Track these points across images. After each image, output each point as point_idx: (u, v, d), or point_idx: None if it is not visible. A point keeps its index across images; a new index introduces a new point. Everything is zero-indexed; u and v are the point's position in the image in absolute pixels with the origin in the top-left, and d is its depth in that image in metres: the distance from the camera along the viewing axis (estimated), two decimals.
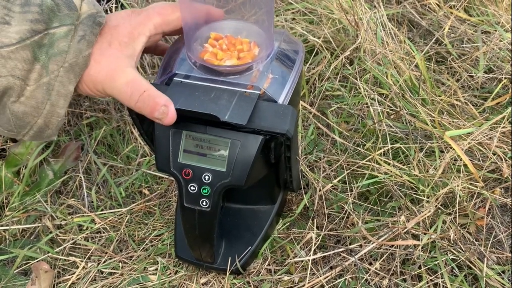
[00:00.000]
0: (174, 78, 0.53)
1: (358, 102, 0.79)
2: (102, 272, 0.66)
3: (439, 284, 0.59)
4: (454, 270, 0.61)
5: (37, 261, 0.66)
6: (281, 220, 0.68)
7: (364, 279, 0.60)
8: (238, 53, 0.53)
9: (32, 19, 0.45)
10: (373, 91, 0.77)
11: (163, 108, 0.47)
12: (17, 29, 0.45)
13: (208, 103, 0.50)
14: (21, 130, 0.48)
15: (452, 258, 0.61)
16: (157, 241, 0.69)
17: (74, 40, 0.46)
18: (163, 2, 0.52)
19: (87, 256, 0.68)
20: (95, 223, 0.71)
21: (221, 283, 0.62)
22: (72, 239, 0.69)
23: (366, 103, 0.76)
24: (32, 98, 0.46)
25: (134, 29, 0.49)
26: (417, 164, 0.68)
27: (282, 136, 0.50)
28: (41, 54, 0.45)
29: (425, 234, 0.62)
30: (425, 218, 0.63)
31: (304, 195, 0.67)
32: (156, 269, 0.65)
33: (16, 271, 0.66)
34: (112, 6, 0.89)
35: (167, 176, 0.76)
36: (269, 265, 0.64)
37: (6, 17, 0.44)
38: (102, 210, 0.73)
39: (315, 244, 0.62)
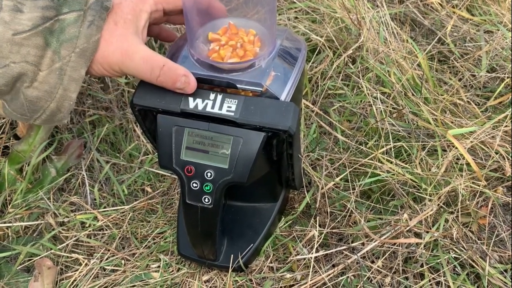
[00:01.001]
0: None
1: (361, 100, 0.79)
2: (104, 269, 0.66)
3: (441, 282, 0.59)
4: (456, 269, 0.61)
5: (40, 258, 0.66)
6: (283, 218, 0.68)
7: (366, 277, 0.60)
8: (241, 44, 0.53)
9: (43, 6, 0.46)
10: (376, 90, 0.77)
11: (184, 78, 0.50)
12: (29, 16, 0.46)
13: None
14: (33, 114, 0.50)
15: (454, 257, 0.61)
16: (159, 238, 0.69)
17: (84, 26, 0.47)
18: None
19: (89, 253, 0.68)
20: (98, 221, 0.71)
21: (223, 280, 0.62)
22: (75, 236, 0.69)
23: (369, 102, 0.76)
24: (45, 83, 0.47)
25: (136, 6, 0.51)
26: (419, 163, 0.68)
27: (284, 133, 0.50)
28: (53, 40, 0.47)
29: (427, 232, 0.62)
30: (427, 216, 0.63)
31: (306, 193, 0.67)
32: (159, 267, 0.65)
33: (19, 267, 0.66)
34: None
35: (169, 174, 0.77)
36: (271, 262, 0.64)
37: (18, 5, 0.46)
38: (104, 207, 0.73)
39: (317, 242, 0.62)
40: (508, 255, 0.62)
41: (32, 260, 0.67)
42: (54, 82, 0.47)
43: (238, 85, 0.51)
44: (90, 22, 0.48)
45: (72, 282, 0.64)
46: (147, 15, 0.52)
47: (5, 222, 0.71)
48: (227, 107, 0.51)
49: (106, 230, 0.70)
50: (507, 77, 0.82)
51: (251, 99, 0.51)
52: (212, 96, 0.51)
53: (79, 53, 0.48)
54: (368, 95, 0.76)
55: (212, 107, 0.51)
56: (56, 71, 0.47)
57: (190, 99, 0.52)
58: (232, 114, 0.51)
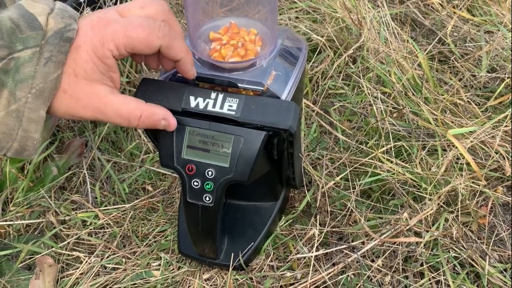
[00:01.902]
0: (178, 75, 0.53)
1: (361, 100, 0.79)
2: (105, 267, 0.66)
3: (441, 281, 0.60)
4: (456, 268, 0.61)
5: (41, 256, 0.66)
6: (283, 217, 0.68)
7: (366, 275, 0.60)
8: (242, 43, 0.53)
9: None
10: (376, 90, 0.78)
11: (163, 122, 0.50)
12: None
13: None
14: None
15: (454, 256, 0.61)
16: (160, 237, 0.69)
17: (40, 64, 0.44)
18: (140, 21, 0.46)
19: (90, 251, 0.68)
20: (99, 219, 0.71)
21: (223, 278, 0.63)
22: (76, 234, 0.69)
23: (369, 102, 0.77)
24: (2, 124, 0.45)
25: (96, 50, 0.45)
26: (419, 162, 0.68)
27: (285, 132, 0.51)
28: (8, 80, 0.43)
29: (427, 231, 0.62)
30: (427, 215, 0.63)
31: (306, 192, 0.67)
32: (159, 265, 0.65)
33: (20, 265, 0.66)
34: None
35: (170, 173, 0.77)
36: (271, 261, 0.64)
37: None
38: (105, 206, 0.73)
39: (317, 240, 0.62)
40: (508, 255, 0.63)
41: (33, 258, 0.67)
42: (12, 124, 0.45)
43: (239, 84, 0.52)
44: (46, 59, 0.44)
45: (73, 280, 0.65)
46: (111, 60, 0.46)
47: (6, 220, 0.71)
48: (228, 106, 0.51)
49: (107, 228, 0.70)
50: (507, 77, 0.83)
51: (252, 98, 0.51)
52: (213, 95, 0.52)
53: (36, 94, 0.44)
54: (369, 94, 0.76)
55: (213, 106, 0.51)
56: (13, 113, 0.44)
57: (192, 98, 0.52)
58: (233, 113, 0.51)
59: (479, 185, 0.66)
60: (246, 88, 0.52)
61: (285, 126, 0.50)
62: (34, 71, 0.43)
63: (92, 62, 0.46)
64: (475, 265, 0.61)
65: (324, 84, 0.82)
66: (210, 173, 0.53)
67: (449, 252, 0.62)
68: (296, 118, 0.51)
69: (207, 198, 0.54)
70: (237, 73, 0.52)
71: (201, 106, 0.52)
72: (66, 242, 0.68)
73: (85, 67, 0.45)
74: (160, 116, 0.49)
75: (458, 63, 0.86)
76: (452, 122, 0.74)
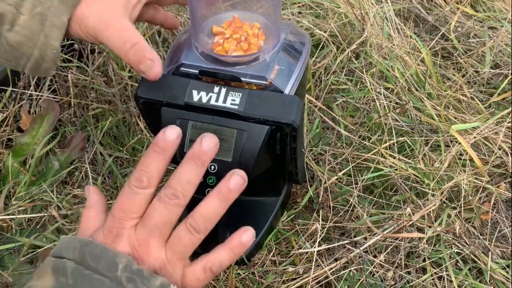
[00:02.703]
0: (181, 68, 0.53)
1: (364, 96, 0.79)
2: None
3: (444, 277, 0.60)
4: (458, 264, 0.61)
5: (44, 250, 0.66)
6: (286, 212, 0.68)
7: (369, 271, 0.60)
8: (245, 37, 0.53)
9: None
10: (379, 85, 0.77)
11: (149, 62, 0.48)
12: None
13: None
14: (18, 61, 0.48)
15: (456, 252, 0.61)
16: None
17: None
18: None
19: None
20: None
21: (226, 273, 0.63)
22: (78, 229, 0.69)
23: (372, 97, 0.76)
24: (26, 28, 0.46)
25: None
26: (422, 158, 0.68)
27: (288, 126, 0.51)
28: None
29: (430, 227, 0.62)
30: (430, 211, 0.63)
31: (309, 188, 0.67)
32: None
33: (22, 259, 0.66)
34: None
35: (172, 167, 0.77)
36: (273, 256, 0.64)
37: None
38: (108, 200, 0.73)
39: (320, 236, 0.62)
40: (510, 251, 0.62)
41: (36, 252, 0.67)
42: (35, 27, 0.46)
43: (242, 78, 0.51)
44: None
45: None
46: None
47: (8, 214, 0.71)
48: (231, 100, 0.51)
49: None
50: (511, 73, 0.82)
51: (255, 92, 0.51)
52: (216, 89, 0.52)
53: None
54: (372, 90, 0.76)
55: (216, 100, 0.51)
56: (37, 16, 0.46)
57: (194, 92, 0.52)
58: (236, 107, 0.51)
59: (482, 181, 0.66)
60: (249, 82, 0.52)
61: (288, 121, 0.50)
62: None
63: None
64: (477, 261, 0.61)
65: (327, 80, 0.82)
66: (212, 167, 0.53)
67: (452, 248, 0.62)
68: (299, 112, 0.50)
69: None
70: (240, 67, 0.52)
71: (204, 100, 0.51)
72: None
73: None
74: (150, 55, 0.48)
75: (461, 59, 0.86)
76: (455, 118, 0.74)
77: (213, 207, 0.46)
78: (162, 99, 0.52)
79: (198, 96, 0.52)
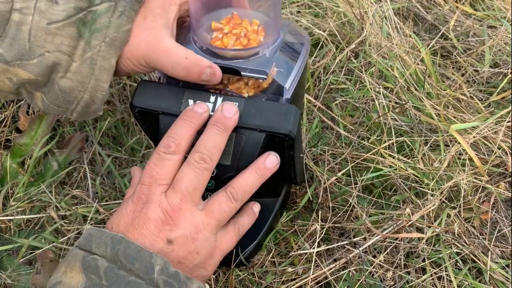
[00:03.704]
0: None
1: (363, 95, 0.79)
2: None
3: (443, 277, 0.60)
4: (458, 264, 0.61)
5: (42, 251, 0.66)
6: (285, 213, 0.68)
7: (368, 271, 0.60)
8: (244, 33, 0.53)
9: None
10: (378, 85, 0.77)
11: (209, 70, 0.49)
12: (63, 7, 0.47)
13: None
14: (69, 106, 0.50)
15: (456, 252, 0.61)
16: None
17: (114, 16, 0.48)
18: None
19: None
20: (100, 214, 0.71)
21: (225, 274, 0.63)
22: (77, 229, 0.69)
23: (371, 97, 0.76)
24: (77, 73, 0.48)
25: (165, 1, 0.51)
26: (422, 158, 0.68)
27: (285, 137, 0.50)
28: (85, 31, 0.47)
29: (429, 227, 0.62)
30: (429, 211, 0.63)
31: (308, 188, 0.67)
32: None
33: (21, 260, 0.66)
34: None
35: None
36: (273, 257, 0.64)
37: None
38: (106, 201, 0.73)
39: (319, 236, 0.62)
40: (510, 250, 0.62)
41: (34, 253, 0.67)
42: (86, 72, 0.48)
43: (242, 73, 0.51)
44: (120, 13, 0.48)
45: None
46: (177, 7, 0.51)
47: (7, 215, 0.71)
48: None
49: None
50: (510, 72, 0.82)
51: (251, 101, 0.51)
52: (212, 98, 0.51)
53: (109, 42, 0.48)
54: (371, 89, 0.76)
55: (213, 110, 0.51)
56: (87, 61, 0.48)
57: (190, 101, 0.52)
58: None
59: (481, 181, 0.66)
60: (249, 76, 0.51)
61: (285, 131, 0.50)
62: (109, 22, 0.48)
63: (160, 8, 0.50)
64: (477, 260, 0.61)
65: (326, 79, 0.82)
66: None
67: (451, 248, 0.61)
68: (296, 122, 0.50)
69: (208, 196, 0.54)
70: (239, 61, 0.52)
71: None
72: (67, 237, 0.68)
73: (154, 12, 0.50)
74: (206, 63, 0.49)
75: (460, 58, 0.86)
76: (455, 117, 0.73)
77: (251, 180, 0.50)
78: (158, 108, 0.52)
79: None
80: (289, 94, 0.53)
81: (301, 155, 0.59)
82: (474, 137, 0.69)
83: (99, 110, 0.52)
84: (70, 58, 0.48)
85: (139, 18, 0.50)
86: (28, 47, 0.46)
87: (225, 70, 0.51)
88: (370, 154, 0.68)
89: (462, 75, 0.84)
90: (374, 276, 0.60)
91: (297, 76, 0.54)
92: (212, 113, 0.51)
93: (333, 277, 0.60)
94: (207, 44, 0.52)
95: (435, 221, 0.63)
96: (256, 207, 0.57)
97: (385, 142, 0.69)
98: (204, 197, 0.54)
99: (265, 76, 0.51)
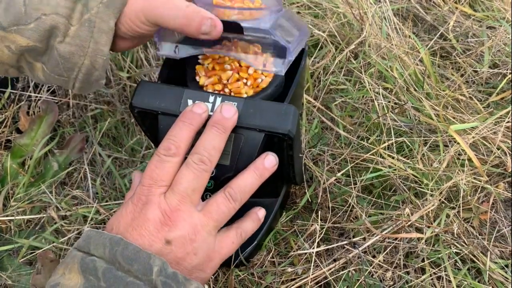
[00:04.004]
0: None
1: (363, 96, 0.79)
2: None
3: (443, 277, 0.60)
4: (457, 264, 0.61)
5: (43, 251, 0.66)
6: (284, 213, 0.68)
7: (368, 271, 0.60)
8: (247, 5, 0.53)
9: None
10: (378, 85, 0.77)
11: (210, 21, 0.47)
12: None
13: None
14: (70, 73, 0.49)
15: (455, 252, 0.61)
16: None
17: None
18: None
19: None
20: (100, 214, 0.71)
21: (225, 274, 0.63)
22: (77, 230, 0.69)
23: (371, 97, 0.76)
24: (76, 37, 0.47)
25: None
26: (421, 158, 0.68)
27: (284, 136, 0.50)
28: None
29: (428, 227, 0.62)
30: (429, 211, 0.63)
31: (307, 189, 0.67)
32: None
33: (21, 260, 0.66)
34: None
35: None
36: (272, 257, 0.64)
37: None
38: (106, 201, 0.73)
39: (318, 236, 0.62)
40: (509, 251, 0.63)
41: (35, 253, 0.67)
42: (84, 35, 0.47)
43: (246, 33, 0.51)
44: None
45: None
46: None
47: (7, 216, 0.71)
48: None
49: None
50: (509, 73, 0.82)
51: (250, 101, 0.51)
52: (211, 98, 0.51)
53: (106, 3, 0.47)
54: (370, 90, 0.76)
55: (212, 110, 0.51)
56: (85, 23, 0.47)
57: (190, 101, 0.52)
58: None
59: (480, 181, 0.66)
60: (252, 36, 0.51)
61: (284, 131, 0.50)
62: None
63: None
64: (476, 261, 0.61)
65: (326, 80, 0.82)
66: None
67: (451, 248, 0.62)
68: (295, 122, 0.50)
69: (208, 196, 0.54)
70: (242, 20, 0.51)
71: None
72: (67, 238, 0.68)
73: None
74: (208, 14, 0.47)
75: (460, 58, 0.86)
76: (454, 117, 0.74)
77: (250, 180, 0.50)
78: (157, 108, 0.52)
79: None
80: (292, 55, 0.52)
81: (300, 155, 0.60)
82: (473, 137, 0.69)
83: (101, 78, 0.51)
84: (67, 21, 0.46)
85: None
86: (24, 10, 0.45)
87: (227, 26, 0.50)
88: (370, 155, 0.68)
89: (461, 75, 0.84)
90: (374, 276, 0.60)
91: (299, 45, 0.53)
92: (211, 113, 0.51)
93: (332, 277, 0.60)
94: (209, 3, 0.51)
95: (434, 221, 0.63)
96: (261, 213, 0.56)
97: (384, 142, 0.69)
98: (204, 197, 0.54)
99: (268, 36, 0.50)
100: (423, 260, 0.61)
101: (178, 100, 0.52)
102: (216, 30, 0.48)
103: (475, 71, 0.84)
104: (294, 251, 0.63)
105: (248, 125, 0.50)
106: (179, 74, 0.58)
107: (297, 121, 0.51)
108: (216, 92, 0.53)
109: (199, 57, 0.57)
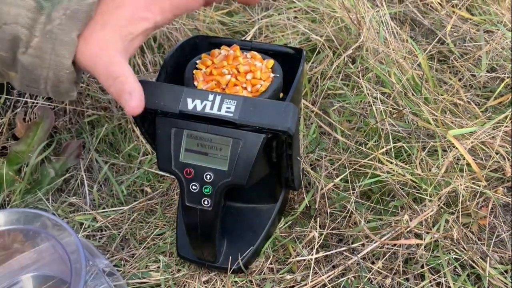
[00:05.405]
0: None
1: (361, 101, 0.79)
2: (104, 271, 0.65)
3: (442, 283, 0.59)
4: (457, 269, 0.61)
5: None
6: (283, 219, 0.68)
7: (367, 278, 0.60)
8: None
9: None
10: (376, 90, 0.77)
11: (126, 96, 0.47)
12: None
13: None
14: (38, 85, 0.48)
15: (455, 258, 0.61)
16: (159, 239, 0.68)
17: None
18: None
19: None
20: (97, 221, 0.71)
21: (223, 281, 0.62)
22: None
23: (369, 102, 0.76)
24: (38, 48, 0.46)
25: (136, 13, 0.47)
26: (419, 163, 0.68)
27: (284, 134, 0.50)
28: (47, 3, 0.46)
29: (427, 233, 0.62)
30: (427, 217, 0.63)
31: (305, 194, 0.67)
32: (158, 267, 0.64)
33: None
34: None
35: (169, 175, 0.76)
36: (271, 264, 0.64)
37: None
38: (103, 208, 0.73)
39: (317, 243, 0.62)
40: (509, 256, 0.62)
41: None
42: (45, 47, 0.46)
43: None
44: None
45: None
46: (149, 25, 0.48)
47: None
48: (226, 108, 0.51)
49: (105, 231, 0.70)
50: (507, 77, 0.82)
51: (250, 99, 0.51)
52: (211, 97, 0.51)
53: (70, 15, 0.46)
54: (368, 95, 0.76)
55: (211, 108, 0.51)
56: (46, 35, 0.46)
57: (189, 100, 0.51)
58: (231, 115, 0.50)
59: (479, 186, 0.66)
60: None
61: (283, 128, 0.50)
62: None
63: (127, 21, 0.47)
64: (475, 266, 0.61)
65: (323, 85, 0.82)
66: (208, 176, 0.53)
67: (450, 254, 0.61)
68: (295, 119, 0.50)
69: (206, 202, 0.54)
70: None
71: (199, 108, 0.51)
72: None
73: (116, 23, 0.47)
74: (128, 89, 0.46)
75: (457, 62, 0.86)
76: (452, 122, 0.73)
77: None
78: (156, 107, 0.52)
79: (193, 104, 0.51)
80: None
81: (299, 158, 0.59)
82: (471, 142, 0.69)
83: (72, 91, 0.49)
84: (30, 32, 0.45)
85: (97, 24, 0.47)
86: None
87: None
88: (368, 160, 0.67)
89: (459, 80, 0.84)
90: (373, 283, 0.60)
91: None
92: (211, 111, 0.50)
93: (331, 284, 0.59)
94: None
95: (433, 227, 0.63)
96: None
97: (382, 147, 0.69)
98: (202, 203, 0.54)
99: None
100: (422, 266, 0.61)
101: (177, 98, 0.51)
102: (129, 106, 0.47)
103: (473, 75, 0.84)
104: (292, 258, 0.63)
105: (248, 123, 0.50)
106: (177, 79, 0.58)
107: (297, 119, 0.51)
108: (215, 91, 0.53)
109: (197, 62, 0.57)
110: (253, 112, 0.50)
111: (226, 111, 0.50)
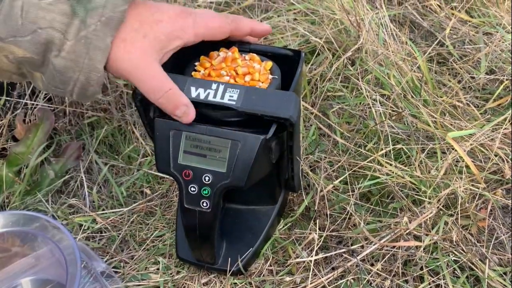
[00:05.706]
0: None
1: (360, 102, 0.79)
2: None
3: (441, 285, 0.59)
4: (456, 272, 0.61)
5: None
6: (282, 221, 0.68)
7: (366, 280, 0.60)
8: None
9: None
10: (375, 92, 0.77)
11: (184, 108, 0.51)
12: None
13: None
14: (66, 86, 0.50)
15: (454, 260, 0.61)
16: (158, 241, 0.68)
17: None
18: (213, 13, 0.54)
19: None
20: (96, 223, 0.71)
21: (222, 283, 0.62)
22: (73, 239, 0.69)
23: (368, 104, 0.76)
24: (71, 52, 0.48)
25: (174, 31, 0.51)
26: (419, 165, 0.68)
27: (286, 121, 0.50)
28: (80, 9, 0.47)
29: (427, 235, 0.62)
30: (427, 219, 0.63)
31: (305, 196, 0.67)
32: (158, 269, 0.64)
33: None
34: None
35: (168, 177, 0.76)
36: (270, 265, 0.64)
37: None
38: (103, 209, 0.73)
39: (317, 244, 0.62)
40: (508, 258, 0.62)
41: None
42: (80, 51, 0.48)
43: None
44: None
45: None
46: (181, 43, 0.52)
47: None
48: (229, 96, 0.51)
49: (105, 232, 0.70)
50: (506, 79, 0.82)
51: (252, 88, 0.51)
52: (214, 85, 0.52)
53: (105, 22, 0.48)
54: (368, 97, 0.76)
55: (214, 96, 0.51)
56: (81, 40, 0.48)
57: (193, 88, 0.52)
58: (234, 103, 0.51)
59: (478, 188, 0.66)
60: None
61: (285, 116, 0.50)
62: (105, 1, 0.47)
63: (165, 36, 0.51)
64: (475, 268, 0.61)
65: (323, 87, 0.82)
66: (207, 178, 0.53)
67: (449, 256, 0.61)
68: (297, 108, 0.51)
69: (205, 204, 0.54)
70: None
71: (202, 96, 0.52)
72: None
73: (156, 36, 0.50)
74: (185, 101, 0.51)
75: (457, 65, 0.86)
76: (451, 124, 0.74)
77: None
78: None
79: (196, 92, 0.52)
80: None
81: (298, 158, 0.59)
82: (471, 144, 0.69)
83: (97, 93, 0.52)
84: (63, 36, 0.47)
85: (139, 33, 0.49)
86: (21, 23, 0.46)
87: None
88: (367, 162, 0.67)
89: (459, 82, 0.84)
90: (372, 285, 0.60)
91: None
92: (214, 99, 0.51)
93: (331, 286, 0.60)
94: None
95: (432, 229, 0.63)
96: None
97: (382, 149, 0.69)
98: (201, 205, 0.54)
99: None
100: (421, 268, 0.61)
101: (181, 87, 0.52)
102: (188, 117, 0.52)
103: (472, 78, 0.84)
104: (292, 260, 0.63)
105: (250, 111, 0.50)
106: None
107: (299, 109, 0.51)
108: (219, 80, 0.53)
109: (196, 64, 0.57)
110: (255, 100, 0.51)
111: (229, 99, 0.51)
